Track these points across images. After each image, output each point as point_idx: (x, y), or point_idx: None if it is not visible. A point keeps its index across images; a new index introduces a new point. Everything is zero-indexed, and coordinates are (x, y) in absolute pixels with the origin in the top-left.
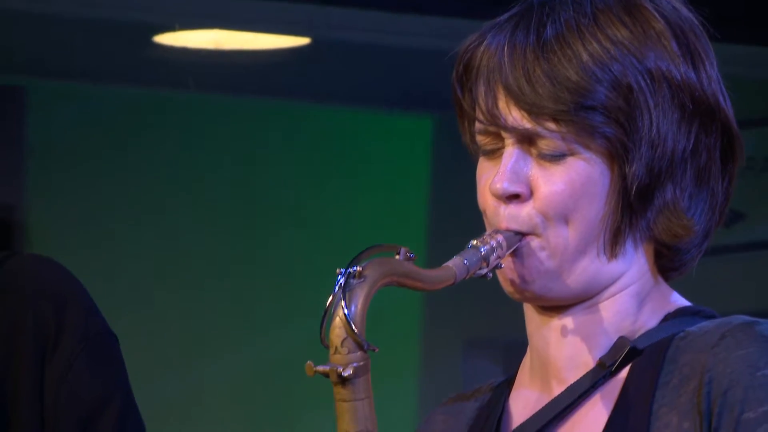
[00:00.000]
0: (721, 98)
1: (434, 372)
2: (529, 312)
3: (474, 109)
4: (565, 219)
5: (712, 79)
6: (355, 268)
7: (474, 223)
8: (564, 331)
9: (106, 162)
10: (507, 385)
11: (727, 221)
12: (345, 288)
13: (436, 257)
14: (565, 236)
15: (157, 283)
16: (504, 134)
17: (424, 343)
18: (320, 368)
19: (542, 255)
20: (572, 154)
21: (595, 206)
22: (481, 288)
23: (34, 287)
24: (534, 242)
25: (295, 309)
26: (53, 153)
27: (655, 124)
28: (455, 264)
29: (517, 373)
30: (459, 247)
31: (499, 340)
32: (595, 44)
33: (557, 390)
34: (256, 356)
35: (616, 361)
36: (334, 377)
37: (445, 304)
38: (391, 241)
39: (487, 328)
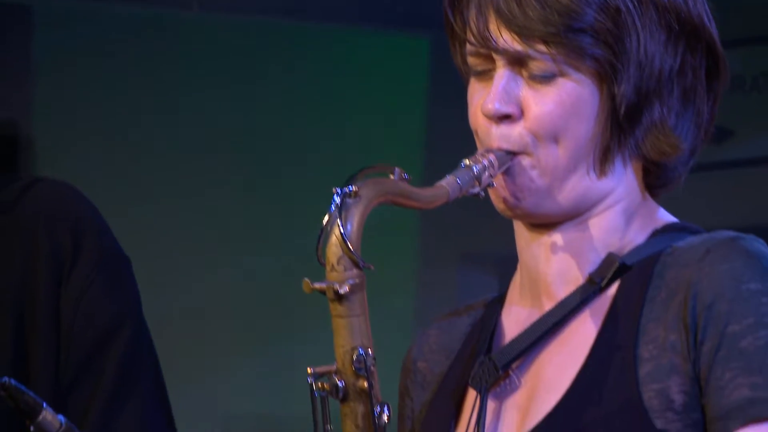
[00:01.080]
0: (705, 19)
1: (430, 286)
2: (520, 229)
3: (465, 32)
4: (555, 138)
5: (697, 0)
6: (350, 188)
7: (472, 142)
8: (554, 248)
9: (111, 80)
10: (499, 301)
11: (716, 138)
12: (341, 207)
13: (434, 177)
14: (555, 155)
15: (159, 196)
16: (495, 56)
17: (421, 258)
18: (317, 285)
19: (533, 173)
20: (562, 75)
21: (585, 126)
22: (477, 202)
23: (50, 211)
24: (525, 161)
25: (292, 228)
26: (59, 71)
27: (642, 46)
28: (448, 183)
29: (507, 289)
30: (457, 166)
31: (494, 253)
32: None
33: (548, 306)
34: (254, 274)
35: (606, 277)
36: (330, 294)
37: (441, 218)
38: (389, 161)
39: (483, 242)
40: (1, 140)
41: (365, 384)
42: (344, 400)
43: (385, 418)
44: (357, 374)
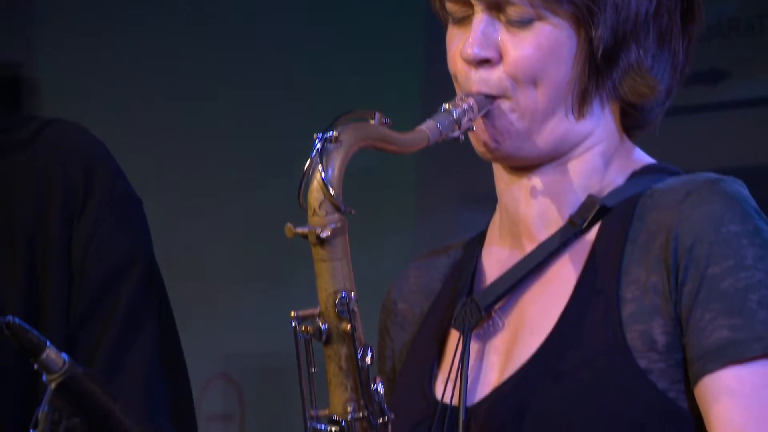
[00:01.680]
0: None
1: (429, 225)
2: (499, 171)
3: None
4: (534, 82)
5: None
6: (331, 133)
7: None
8: (533, 190)
9: (112, 17)
10: (478, 242)
11: (712, 80)
12: (322, 152)
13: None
14: (534, 98)
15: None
16: (473, 1)
17: (420, 196)
18: (299, 230)
19: (512, 117)
20: (540, 19)
21: (563, 69)
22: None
23: (64, 152)
24: (504, 105)
25: (273, 172)
26: (61, 10)
27: None
28: (428, 127)
29: (486, 230)
30: (437, 111)
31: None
32: None
33: (528, 248)
34: (238, 218)
35: (586, 219)
36: (312, 238)
37: (441, 157)
38: (387, 102)
39: (482, 181)
40: (6, 81)
41: (348, 327)
42: (327, 342)
43: (368, 360)
44: (340, 317)
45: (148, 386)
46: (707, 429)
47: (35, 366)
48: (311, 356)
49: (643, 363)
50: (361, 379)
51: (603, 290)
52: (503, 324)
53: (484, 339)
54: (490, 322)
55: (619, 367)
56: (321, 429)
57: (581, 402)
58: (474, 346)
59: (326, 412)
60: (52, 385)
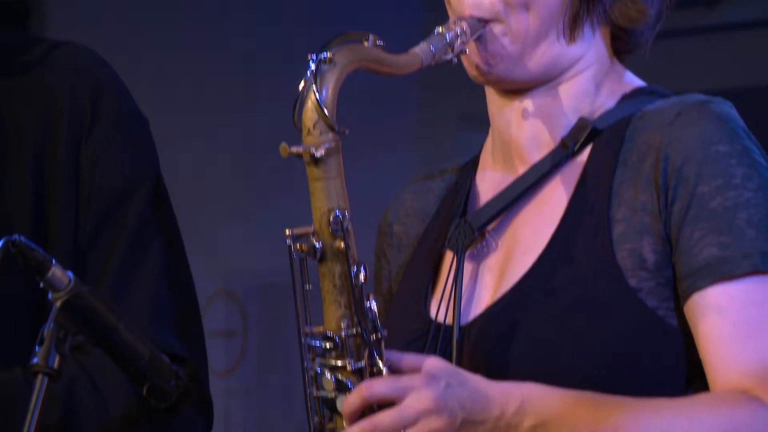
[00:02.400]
0: None
1: (428, 146)
2: (491, 95)
3: None
4: (525, 5)
5: None
6: (325, 54)
7: None
8: (525, 113)
9: None
10: (472, 166)
11: (709, 3)
12: (316, 73)
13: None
14: (526, 22)
15: (160, 58)
16: None
17: (419, 118)
18: (294, 149)
19: (504, 40)
20: None
21: None
22: None
23: (72, 73)
24: (496, 28)
25: (271, 94)
26: None
27: None
28: (422, 50)
29: (480, 154)
30: (430, 34)
31: None
32: None
33: (521, 170)
34: (254, 135)
35: (578, 141)
36: (306, 158)
37: (440, 79)
38: (388, 22)
39: (481, 103)
40: (14, 2)
41: (342, 245)
42: (322, 260)
43: (361, 277)
44: (334, 235)
45: (157, 304)
46: (696, 345)
47: (41, 284)
48: (306, 274)
49: (633, 282)
50: (354, 296)
51: (594, 211)
52: (496, 245)
53: (478, 259)
54: (484, 243)
55: (609, 286)
56: (315, 345)
57: (572, 320)
58: (468, 267)
59: (320, 329)
60: (58, 303)
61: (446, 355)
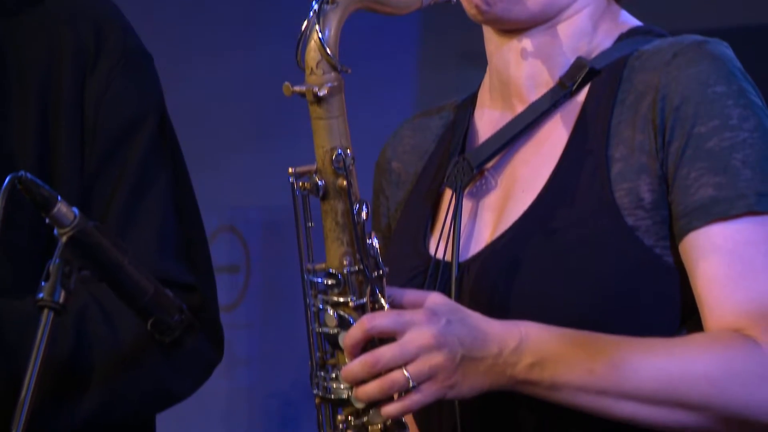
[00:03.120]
0: None
1: (429, 84)
2: (489, 34)
3: None
4: None
5: None
6: None
7: None
8: (523, 53)
9: None
10: (470, 103)
11: None
12: (319, 13)
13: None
14: None
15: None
16: None
17: (420, 56)
18: (297, 88)
19: None
20: None
21: None
22: None
23: (74, 10)
24: None
25: (274, 32)
26: None
27: None
28: None
29: (477, 92)
30: None
31: None
32: None
33: (519, 109)
34: (238, 77)
35: (576, 81)
36: (310, 97)
37: (441, 17)
38: None
39: (481, 41)
40: None
41: (344, 182)
42: (324, 198)
43: (363, 215)
44: (336, 173)
45: (164, 234)
46: (691, 283)
47: (47, 220)
48: (308, 212)
49: (630, 220)
50: (356, 233)
51: (592, 150)
52: (495, 183)
53: (477, 197)
54: (483, 181)
55: (607, 224)
56: (317, 282)
57: (570, 258)
58: (467, 204)
59: (323, 265)
60: (63, 239)
61: (445, 291)
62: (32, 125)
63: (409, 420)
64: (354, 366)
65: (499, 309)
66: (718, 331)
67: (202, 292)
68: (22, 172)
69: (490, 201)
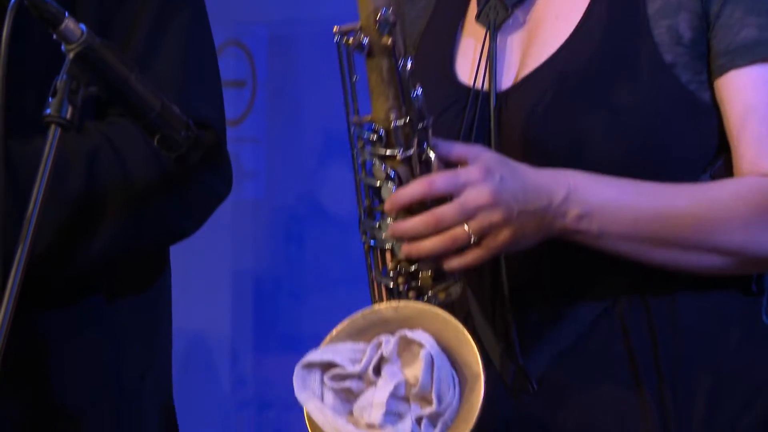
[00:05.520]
0: None
1: None
2: None
3: None
4: None
5: None
6: None
7: None
8: None
9: None
10: None
11: None
12: None
13: None
14: None
15: None
16: None
17: None
18: None
19: None
20: None
21: None
22: None
23: None
24: None
25: None
26: None
27: None
28: None
29: None
30: None
31: None
32: None
33: None
34: None
35: None
36: None
37: None
38: None
39: None
40: None
41: (389, 41)
42: (369, 55)
43: (408, 67)
44: (381, 33)
45: (185, 68)
46: (725, 123)
47: (54, 36)
48: (352, 66)
49: (668, 57)
50: (401, 88)
51: None
52: (524, 20)
53: (506, 33)
54: (513, 18)
55: (645, 61)
56: (364, 135)
57: (608, 93)
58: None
59: (368, 118)
60: (71, 55)
61: (484, 121)
62: None
63: None
64: (415, 224)
65: (533, 142)
66: (753, 178)
67: (217, 130)
68: None
69: (521, 37)
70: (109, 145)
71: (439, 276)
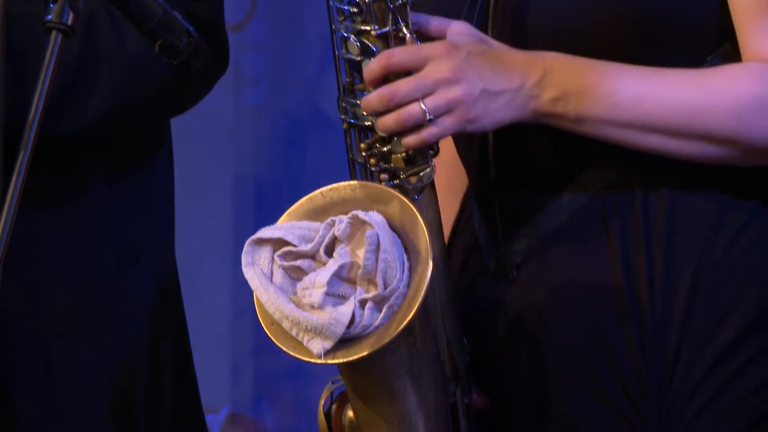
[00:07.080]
0: None
1: None
2: None
3: None
4: None
5: None
6: None
7: None
8: None
9: None
10: None
11: None
12: None
13: None
14: None
15: None
16: None
17: None
18: None
19: None
20: None
21: None
22: None
23: None
24: None
25: None
26: None
27: None
28: None
29: None
30: None
31: None
32: None
33: None
34: None
35: None
36: None
37: None
38: None
39: None
40: None
41: None
42: None
43: None
44: None
45: None
46: (731, 7)
47: None
48: None
49: None
50: None
51: None
52: None
53: None
54: None
55: None
56: (343, 8)
57: None
58: None
59: None
60: None
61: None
62: None
63: (450, 148)
64: (372, 98)
65: (533, 19)
66: (751, 63)
67: (210, 4)
68: None
69: None
70: (107, 12)
71: (412, 159)
